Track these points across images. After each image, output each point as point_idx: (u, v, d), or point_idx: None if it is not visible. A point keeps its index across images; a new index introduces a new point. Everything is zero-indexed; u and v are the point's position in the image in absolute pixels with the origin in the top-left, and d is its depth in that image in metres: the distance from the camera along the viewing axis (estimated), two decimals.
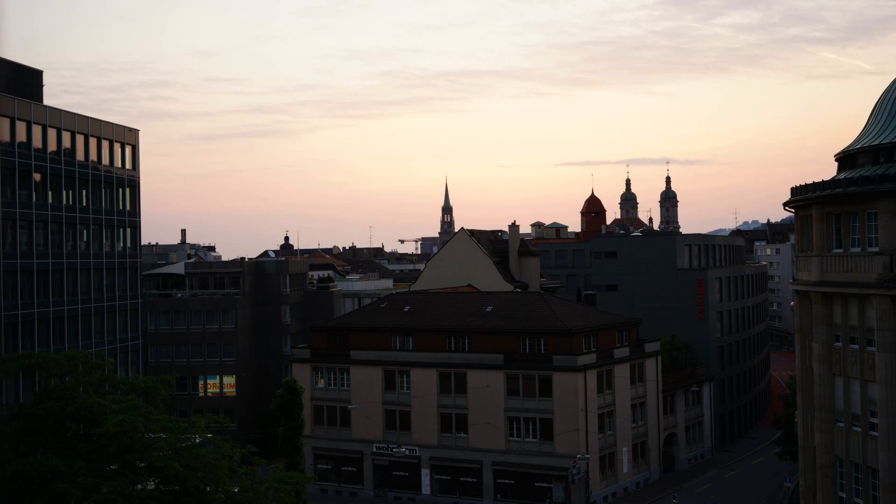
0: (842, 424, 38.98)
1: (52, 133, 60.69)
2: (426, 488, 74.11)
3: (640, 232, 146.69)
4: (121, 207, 68.98)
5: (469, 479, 72.55)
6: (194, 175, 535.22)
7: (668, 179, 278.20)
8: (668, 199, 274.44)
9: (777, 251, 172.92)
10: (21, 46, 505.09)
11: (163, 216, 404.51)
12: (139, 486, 38.90)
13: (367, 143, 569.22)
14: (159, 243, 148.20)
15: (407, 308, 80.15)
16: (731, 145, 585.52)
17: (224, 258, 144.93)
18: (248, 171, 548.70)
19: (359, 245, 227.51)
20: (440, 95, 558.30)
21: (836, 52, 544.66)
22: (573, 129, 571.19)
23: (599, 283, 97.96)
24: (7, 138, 56.42)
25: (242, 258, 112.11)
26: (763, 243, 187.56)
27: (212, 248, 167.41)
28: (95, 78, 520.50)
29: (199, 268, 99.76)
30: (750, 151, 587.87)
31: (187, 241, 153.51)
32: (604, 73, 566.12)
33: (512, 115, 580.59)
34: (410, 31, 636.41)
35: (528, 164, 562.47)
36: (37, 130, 59.22)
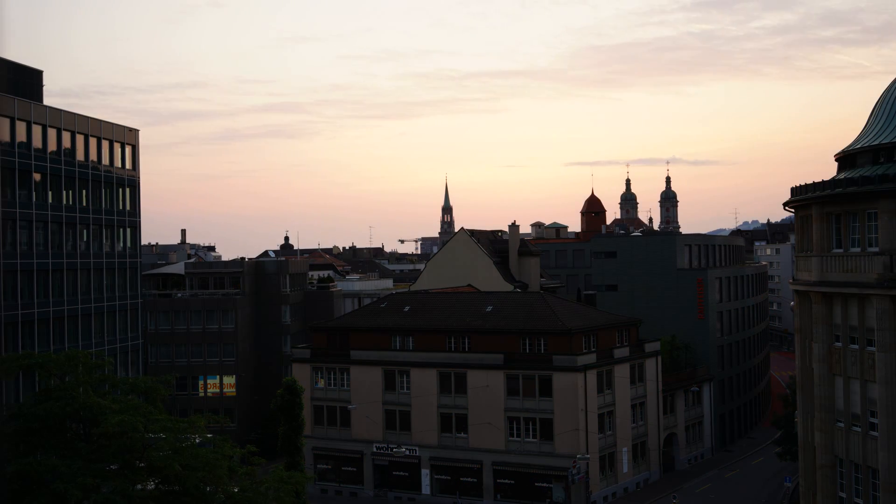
0: (842, 424, 38.98)
1: (52, 133, 60.73)
2: (426, 488, 74.12)
3: (640, 232, 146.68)
4: (121, 207, 69.01)
5: (469, 479, 72.56)
6: (207, 175, 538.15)
7: (668, 179, 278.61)
8: (668, 199, 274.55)
9: (777, 251, 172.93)
10: (60, 49, 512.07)
11: (168, 216, 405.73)
12: (139, 486, 38.85)
13: (380, 145, 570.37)
14: (159, 243, 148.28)
15: (407, 308, 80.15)
16: (740, 145, 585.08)
17: (224, 258, 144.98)
18: (259, 171, 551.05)
19: (359, 245, 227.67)
20: (469, 97, 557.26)
21: (870, 53, 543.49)
22: (590, 129, 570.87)
23: (599, 283, 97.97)
24: (7, 138, 56.45)
25: (242, 258, 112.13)
26: (763, 243, 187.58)
27: (212, 248, 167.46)
28: (131, 79, 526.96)
29: (199, 268, 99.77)
30: (757, 151, 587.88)
31: (187, 241, 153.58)
32: (635, 74, 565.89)
33: (535, 116, 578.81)
34: (449, 32, 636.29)
35: (536, 165, 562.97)
36: (37, 130, 59.25)
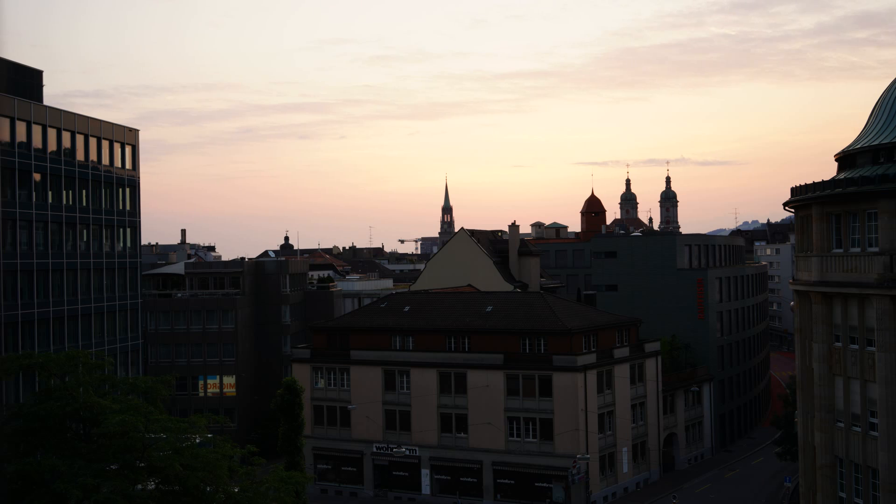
0: (842, 424, 38.98)
1: (52, 133, 60.72)
2: (426, 488, 74.12)
3: (640, 232, 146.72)
4: (121, 207, 69.02)
5: (469, 479, 72.56)
6: (220, 175, 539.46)
7: (668, 179, 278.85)
8: (668, 199, 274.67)
9: (777, 251, 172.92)
10: (99, 50, 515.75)
11: (176, 215, 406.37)
12: (139, 486, 38.85)
13: (396, 145, 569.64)
14: (159, 243, 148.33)
15: (407, 308, 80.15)
16: (748, 145, 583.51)
17: (224, 258, 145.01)
18: (272, 171, 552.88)
19: (359, 245, 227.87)
20: (498, 98, 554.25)
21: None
22: (606, 129, 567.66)
23: (599, 283, 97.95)
24: (7, 138, 56.44)
25: (242, 258, 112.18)
26: (763, 243, 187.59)
27: (212, 248, 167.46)
28: (164, 79, 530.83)
29: (199, 268, 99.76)
30: (763, 150, 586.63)
31: (187, 241, 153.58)
32: (664, 76, 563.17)
33: (557, 117, 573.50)
34: (487, 34, 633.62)
35: (545, 165, 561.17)
36: (37, 130, 59.23)
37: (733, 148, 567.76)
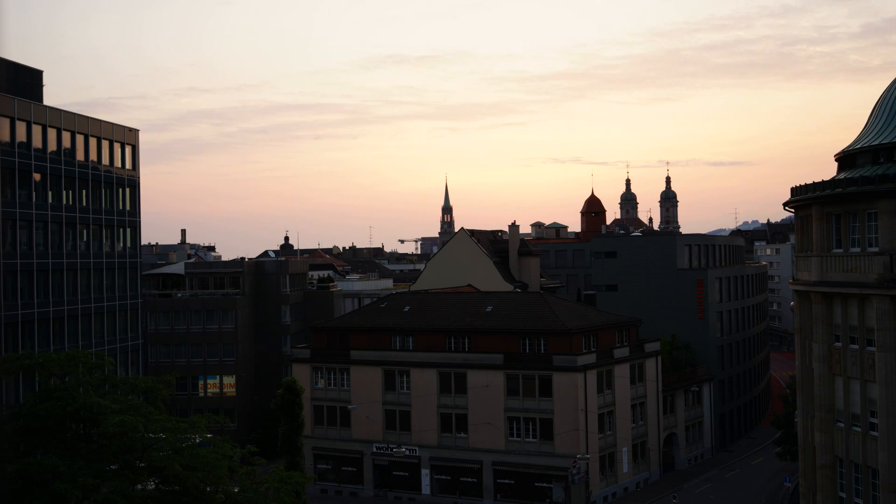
0: (842, 424, 38.97)
1: (52, 133, 60.78)
2: (426, 488, 74.11)
3: (640, 232, 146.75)
4: (121, 207, 69.04)
5: (469, 479, 72.56)
6: (235, 176, 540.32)
7: (668, 179, 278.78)
8: (668, 200, 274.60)
9: (777, 251, 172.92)
10: (147, 53, 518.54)
11: (182, 213, 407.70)
12: (139, 486, 38.84)
13: (415, 146, 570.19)
14: (159, 243, 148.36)
15: (407, 308, 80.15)
16: (758, 146, 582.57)
17: (224, 258, 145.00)
18: (281, 170, 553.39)
19: (359, 245, 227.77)
20: (535, 98, 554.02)
21: None
22: (622, 130, 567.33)
23: (599, 283, 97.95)
24: (7, 138, 56.47)
25: (242, 258, 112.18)
26: (763, 243, 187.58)
27: (212, 248, 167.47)
28: (201, 79, 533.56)
29: (199, 268, 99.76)
30: (769, 151, 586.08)
31: (187, 241, 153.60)
32: (705, 77, 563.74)
33: (584, 118, 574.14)
34: (534, 36, 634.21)
35: (547, 165, 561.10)
36: (37, 130, 59.28)
37: (744, 149, 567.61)
